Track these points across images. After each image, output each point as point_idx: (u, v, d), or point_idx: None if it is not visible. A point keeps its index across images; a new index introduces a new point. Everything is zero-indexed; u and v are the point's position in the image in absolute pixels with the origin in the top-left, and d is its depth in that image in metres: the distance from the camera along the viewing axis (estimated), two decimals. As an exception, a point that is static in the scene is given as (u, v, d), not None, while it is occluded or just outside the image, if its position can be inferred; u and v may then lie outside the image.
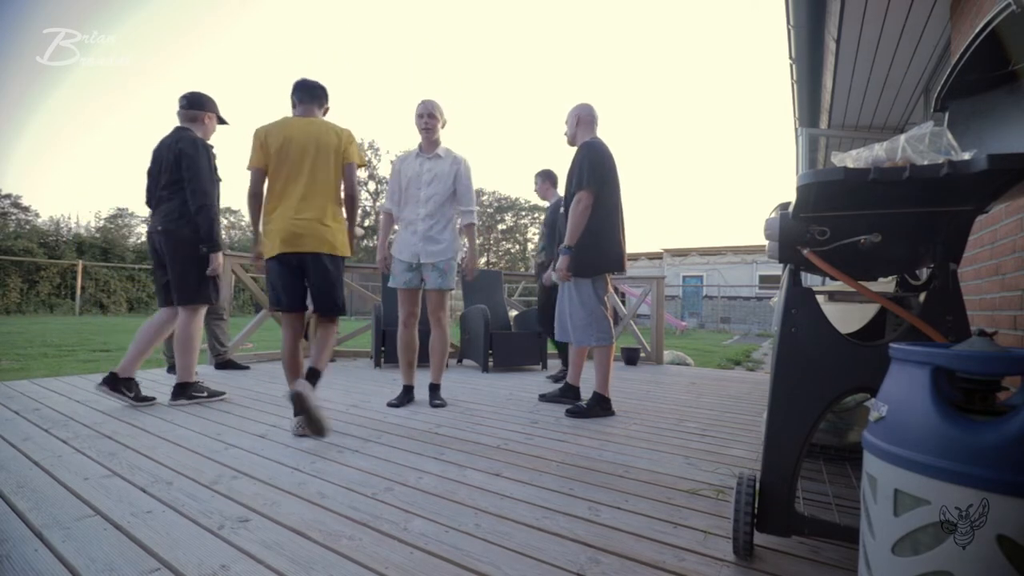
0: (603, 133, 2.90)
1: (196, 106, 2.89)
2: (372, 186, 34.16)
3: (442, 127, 2.95)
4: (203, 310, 2.89)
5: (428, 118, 2.86)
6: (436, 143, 2.92)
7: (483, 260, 35.50)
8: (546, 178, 4.21)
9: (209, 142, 2.91)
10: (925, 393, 0.77)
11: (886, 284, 1.94)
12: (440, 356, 2.95)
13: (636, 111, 69.85)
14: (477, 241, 3.06)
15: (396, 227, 3.06)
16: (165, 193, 2.77)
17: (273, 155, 2.34)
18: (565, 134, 2.97)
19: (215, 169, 2.87)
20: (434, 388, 2.97)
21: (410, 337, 2.92)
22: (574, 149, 2.92)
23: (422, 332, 3.03)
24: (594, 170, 2.69)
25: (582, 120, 2.89)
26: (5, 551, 1.17)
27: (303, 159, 2.34)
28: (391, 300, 4.82)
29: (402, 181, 2.91)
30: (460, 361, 5.09)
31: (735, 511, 1.18)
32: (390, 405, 2.85)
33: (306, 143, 2.35)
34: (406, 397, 2.92)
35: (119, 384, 2.68)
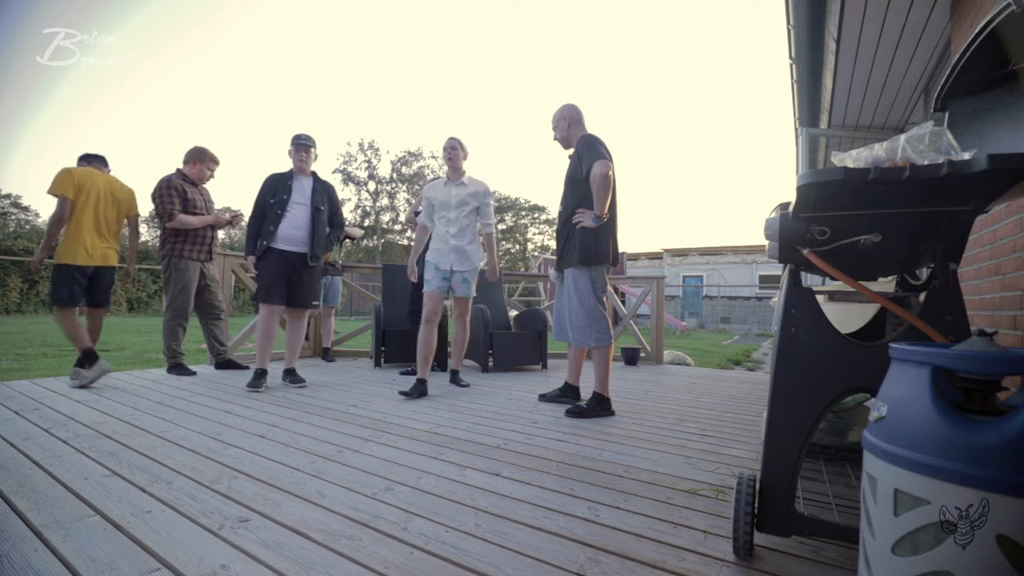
0: (603, 133, 2.91)
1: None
2: (372, 186, 34.15)
3: (464, 159, 3.52)
4: (264, 307, 3.39)
5: (451, 151, 3.45)
6: (460, 172, 3.49)
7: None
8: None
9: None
10: (925, 393, 0.77)
11: (886, 284, 1.94)
12: (461, 347, 3.65)
13: (636, 111, 69.90)
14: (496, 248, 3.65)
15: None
16: None
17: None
18: (556, 139, 2.97)
19: (266, 195, 3.46)
20: (455, 373, 3.69)
21: (430, 335, 3.35)
22: (567, 151, 2.94)
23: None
24: (604, 148, 2.74)
25: (572, 120, 2.91)
26: (5, 551, 1.17)
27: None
28: (392, 301, 4.83)
29: (433, 203, 3.48)
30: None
31: (735, 511, 1.18)
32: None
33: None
34: (419, 389, 3.21)
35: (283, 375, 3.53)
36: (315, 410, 2.74)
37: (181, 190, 3.80)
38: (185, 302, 3.83)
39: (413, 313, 4.26)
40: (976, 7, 2.36)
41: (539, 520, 1.42)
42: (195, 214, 3.86)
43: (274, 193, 3.45)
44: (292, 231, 3.43)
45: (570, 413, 2.76)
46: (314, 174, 3.63)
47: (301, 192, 3.51)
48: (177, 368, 3.82)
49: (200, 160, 3.96)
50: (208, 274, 4.01)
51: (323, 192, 3.62)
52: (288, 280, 3.43)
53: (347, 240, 5.28)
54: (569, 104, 2.94)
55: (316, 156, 3.61)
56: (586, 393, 3.06)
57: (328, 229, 3.66)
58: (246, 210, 3.62)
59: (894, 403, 0.82)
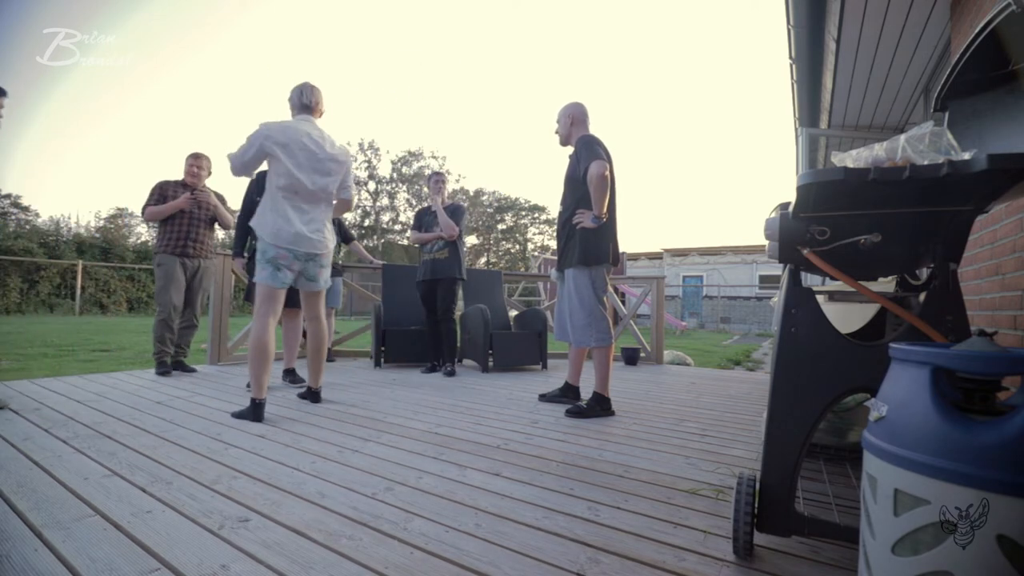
0: (603, 133, 2.91)
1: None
2: (372, 186, 34.14)
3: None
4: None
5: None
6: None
7: (483, 260, 35.48)
8: (438, 180, 4.46)
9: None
10: (925, 393, 0.77)
11: (886, 284, 1.94)
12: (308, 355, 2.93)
13: (636, 111, 69.90)
14: (475, 240, 3.26)
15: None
16: None
17: None
18: (557, 133, 2.97)
19: (253, 193, 3.48)
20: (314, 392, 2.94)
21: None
22: (567, 149, 2.94)
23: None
24: (601, 148, 2.73)
25: (576, 119, 2.90)
26: (5, 551, 1.17)
27: None
28: (392, 301, 4.83)
29: None
30: (460, 361, 5.09)
31: (735, 511, 1.18)
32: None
33: None
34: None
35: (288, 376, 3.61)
36: (315, 410, 2.74)
37: (163, 190, 3.81)
38: (169, 299, 3.79)
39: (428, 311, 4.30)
40: (976, 7, 2.36)
41: (539, 520, 1.42)
42: None
43: (260, 191, 3.42)
44: None
45: (570, 413, 2.76)
46: None
47: None
48: (176, 367, 3.81)
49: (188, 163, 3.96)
50: (191, 271, 3.90)
51: None
52: None
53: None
54: (576, 102, 2.94)
55: None
56: (586, 393, 3.06)
57: None
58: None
59: (894, 403, 0.82)
